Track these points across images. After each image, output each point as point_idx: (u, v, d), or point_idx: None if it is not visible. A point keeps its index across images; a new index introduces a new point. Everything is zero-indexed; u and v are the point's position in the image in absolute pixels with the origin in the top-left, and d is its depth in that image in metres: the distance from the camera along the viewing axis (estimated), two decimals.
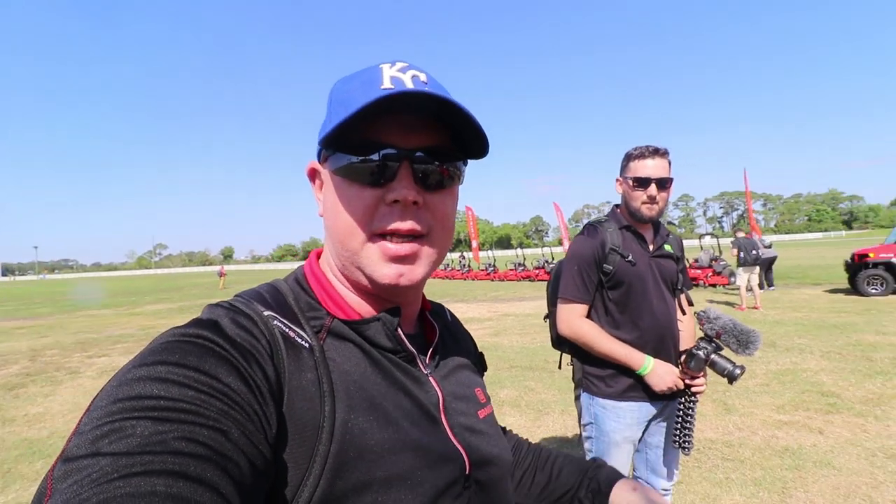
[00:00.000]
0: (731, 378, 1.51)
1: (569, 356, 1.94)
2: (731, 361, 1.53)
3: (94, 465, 0.32)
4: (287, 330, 0.48)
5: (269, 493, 0.41)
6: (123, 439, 0.33)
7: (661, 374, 1.62)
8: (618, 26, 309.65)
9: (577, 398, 1.86)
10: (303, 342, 0.48)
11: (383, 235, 0.51)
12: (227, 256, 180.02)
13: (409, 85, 0.49)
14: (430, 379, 0.57)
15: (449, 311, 0.73)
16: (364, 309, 0.55)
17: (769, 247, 11.77)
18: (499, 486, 0.59)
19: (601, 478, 0.70)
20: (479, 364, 0.72)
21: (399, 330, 0.54)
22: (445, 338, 0.65)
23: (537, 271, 19.11)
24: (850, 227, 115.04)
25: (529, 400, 4.54)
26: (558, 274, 1.88)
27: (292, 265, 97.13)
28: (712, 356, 1.53)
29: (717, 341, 1.52)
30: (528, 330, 8.22)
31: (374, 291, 0.55)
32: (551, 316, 1.94)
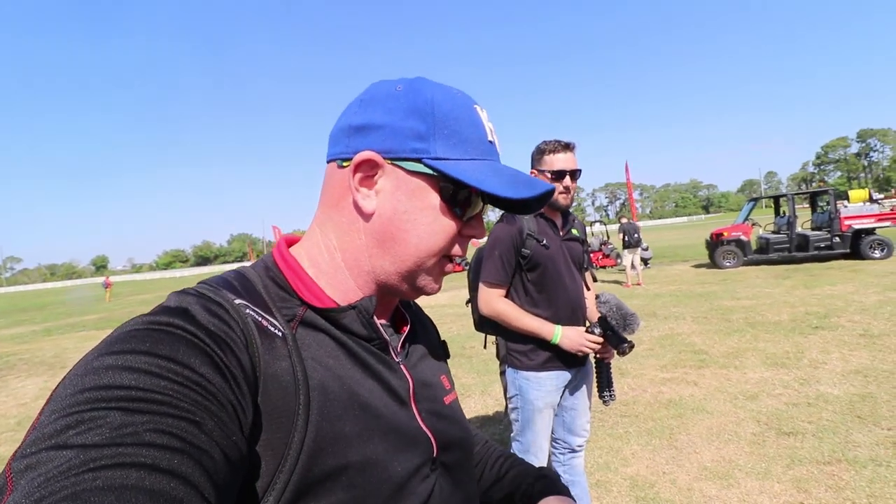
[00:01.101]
0: (620, 353, 1.75)
1: (492, 336, 2.08)
2: (622, 338, 1.76)
3: (60, 458, 0.30)
4: (259, 318, 0.47)
5: (243, 484, 0.41)
6: (92, 430, 0.32)
7: (571, 336, 1.81)
8: (522, 33, 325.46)
9: (503, 373, 1.99)
10: (276, 331, 0.47)
11: (448, 257, 0.56)
12: (101, 266, 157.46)
13: (492, 138, 0.56)
14: (402, 367, 0.58)
15: (413, 301, 0.76)
16: (340, 297, 0.54)
17: (646, 249, 13.27)
18: (463, 467, 0.62)
19: (536, 489, 0.71)
20: (443, 351, 0.73)
21: (374, 318, 0.54)
22: (416, 327, 0.66)
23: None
24: (708, 212, 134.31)
25: None
26: (479, 260, 2.00)
27: (184, 273, 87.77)
28: (607, 333, 1.77)
29: (607, 321, 1.77)
30: (445, 319, 8.44)
31: (387, 291, 0.57)
32: (473, 300, 2.05)
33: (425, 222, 0.53)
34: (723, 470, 2.74)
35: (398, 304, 0.65)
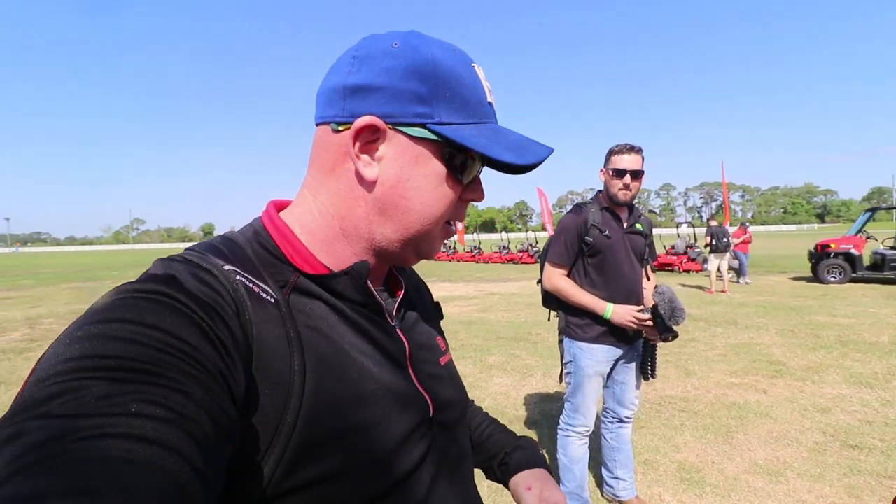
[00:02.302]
0: (663, 339, 2.00)
1: (554, 311, 2.40)
2: (667, 327, 1.99)
3: (43, 428, 0.29)
4: (251, 285, 0.46)
5: (238, 453, 0.40)
6: (76, 400, 0.31)
7: (621, 312, 2.09)
8: (609, 27, 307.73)
9: (560, 342, 2.32)
10: (268, 297, 0.47)
11: (448, 222, 0.56)
12: (208, 232, 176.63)
13: (490, 98, 0.54)
14: (398, 330, 0.58)
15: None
16: (333, 264, 0.53)
17: (736, 258, 12.50)
18: (458, 426, 0.63)
19: (513, 459, 0.73)
20: (437, 313, 0.73)
21: (367, 282, 0.53)
22: (410, 291, 0.65)
23: (521, 254, 19.64)
24: (823, 221, 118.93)
25: (515, 365, 5.04)
26: (549, 244, 2.32)
27: None
28: (656, 319, 2.02)
29: (657, 309, 2.02)
30: (513, 307, 8.74)
31: (385, 258, 0.56)
32: (542, 279, 2.38)
33: (429, 189, 0.51)
34: (774, 468, 2.82)
35: (392, 268, 0.64)
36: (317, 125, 0.53)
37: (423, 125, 0.49)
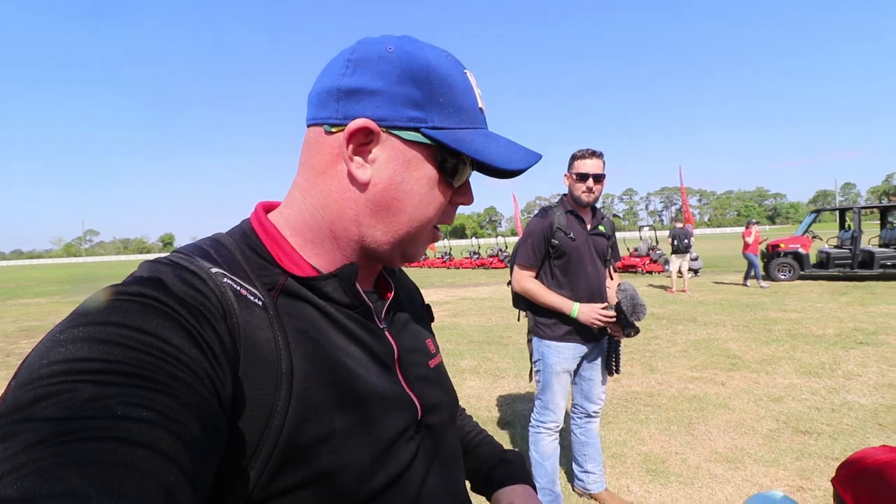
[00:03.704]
0: (626, 334, 2.14)
1: (523, 312, 2.46)
2: (629, 323, 2.10)
3: (27, 431, 0.29)
4: (238, 287, 0.46)
5: (225, 456, 0.40)
6: (62, 403, 0.30)
7: (586, 311, 2.17)
8: (568, 36, 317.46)
9: (529, 341, 2.38)
10: (255, 300, 0.46)
11: (435, 225, 0.56)
12: (168, 243, 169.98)
13: (482, 105, 0.55)
14: (386, 333, 0.57)
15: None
16: (323, 265, 0.53)
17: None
18: (447, 428, 0.63)
19: (497, 473, 0.73)
20: (428, 315, 0.73)
21: (356, 285, 0.53)
22: (400, 293, 0.65)
23: (491, 259, 19.87)
24: (774, 222, 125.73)
25: (487, 368, 5.10)
26: (517, 247, 2.39)
27: None
28: (619, 316, 2.11)
29: (620, 306, 2.11)
30: (484, 312, 8.83)
31: (373, 259, 0.57)
32: (512, 281, 2.44)
33: (421, 192, 0.52)
34: (733, 455, 2.97)
35: (382, 270, 0.64)
36: (308, 126, 0.53)
37: (416, 129, 0.50)
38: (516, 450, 0.80)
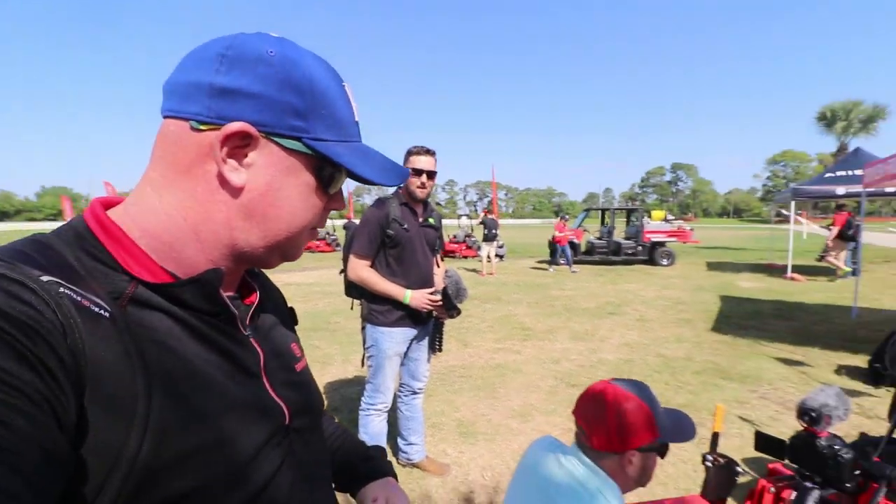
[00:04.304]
0: (449, 316, 2.43)
1: (357, 300, 2.54)
2: (453, 305, 2.39)
3: None
4: (78, 298, 0.40)
5: (73, 483, 0.37)
6: None
7: (418, 297, 2.38)
8: (395, 31, 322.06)
9: (363, 329, 2.48)
10: (100, 311, 0.41)
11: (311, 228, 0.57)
12: (50, 212, 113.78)
13: (357, 118, 0.56)
14: (251, 340, 0.56)
15: (259, 269, 0.68)
16: (180, 270, 0.49)
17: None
18: (314, 431, 0.63)
19: (362, 471, 0.75)
20: (292, 318, 0.71)
21: (219, 291, 0.50)
22: (263, 298, 0.63)
23: (318, 243, 19.17)
24: (558, 216, 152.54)
25: (314, 355, 5.01)
26: (352, 237, 2.44)
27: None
28: (445, 299, 2.38)
29: (446, 291, 2.38)
30: (311, 297, 8.56)
31: (245, 262, 0.55)
32: (345, 270, 2.48)
33: (299, 199, 0.52)
34: (525, 411, 3.63)
35: (245, 273, 0.61)
36: (167, 118, 0.49)
37: (298, 139, 0.50)
38: (380, 446, 0.87)
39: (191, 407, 0.45)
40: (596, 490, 0.96)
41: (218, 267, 0.51)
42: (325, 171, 0.53)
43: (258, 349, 0.56)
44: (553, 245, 14.40)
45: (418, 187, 2.39)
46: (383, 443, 2.54)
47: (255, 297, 0.60)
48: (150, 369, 0.43)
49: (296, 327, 0.71)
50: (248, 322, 0.57)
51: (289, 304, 0.73)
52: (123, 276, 0.46)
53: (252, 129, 0.47)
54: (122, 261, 0.46)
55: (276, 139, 0.49)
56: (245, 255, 0.53)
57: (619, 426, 1.00)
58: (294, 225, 0.54)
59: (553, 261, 12.95)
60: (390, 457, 2.88)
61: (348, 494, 0.77)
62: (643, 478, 1.05)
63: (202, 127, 0.47)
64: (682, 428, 1.09)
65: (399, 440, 2.80)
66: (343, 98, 0.53)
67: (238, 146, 0.48)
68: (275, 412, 0.54)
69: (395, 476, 0.78)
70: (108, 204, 0.51)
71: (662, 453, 1.06)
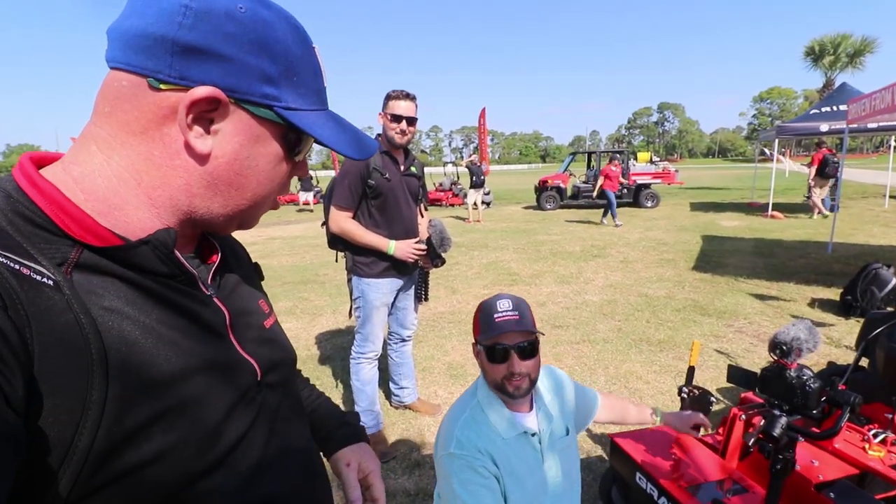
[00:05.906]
0: (434, 265, 2.43)
1: (341, 252, 2.51)
2: (437, 254, 2.39)
3: None
4: (16, 266, 0.38)
5: (30, 459, 0.37)
6: None
7: (402, 247, 2.36)
8: None
9: (349, 280, 2.47)
10: (43, 279, 0.39)
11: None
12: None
13: (326, 84, 0.54)
14: (215, 299, 0.54)
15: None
16: (129, 232, 0.46)
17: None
18: (288, 384, 0.63)
19: (336, 436, 0.76)
20: (257, 274, 0.70)
21: (175, 252, 0.48)
22: (226, 255, 0.61)
23: (300, 195, 18.80)
24: (545, 161, 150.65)
25: (304, 307, 5.06)
26: (332, 188, 2.37)
27: None
28: (429, 249, 2.37)
29: (430, 241, 2.37)
30: (297, 251, 8.50)
31: (200, 227, 0.53)
32: (326, 223, 2.43)
33: (267, 168, 0.51)
34: None
35: (203, 232, 0.58)
36: (116, 69, 0.44)
37: (270, 107, 0.48)
38: (353, 410, 0.89)
39: (152, 372, 0.44)
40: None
41: (170, 227, 0.48)
42: (291, 139, 0.52)
43: (223, 308, 0.55)
44: (538, 189, 14.33)
45: (398, 133, 2.30)
46: (375, 389, 2.61)
47: (217, 257, 0.59)
48: (106, 336, 0.41)
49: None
50: (210, 281, 0.56)
51: (254, 260, 0.72)
52: (66, 241, 0.43)
53: (222, 95, 0.45)
54: (62, 224, 0.43)
55: (246, 106, 0.47)
56: (202, 221, 0.51)
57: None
58: (259, 194, 0.52)
59: (610, 211, 10.45)
60: (383, 401, 2.99)
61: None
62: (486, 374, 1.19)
63: (162, 86, 0.44)
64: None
65: (391, 384, 2.90)
66: (314, 64, 0.52)
67: (205, 111, 0.45)
68: (244, 370, 0.54)
69: (368, 441, 0.80)
70: (42, 161, 0.47)
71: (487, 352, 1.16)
